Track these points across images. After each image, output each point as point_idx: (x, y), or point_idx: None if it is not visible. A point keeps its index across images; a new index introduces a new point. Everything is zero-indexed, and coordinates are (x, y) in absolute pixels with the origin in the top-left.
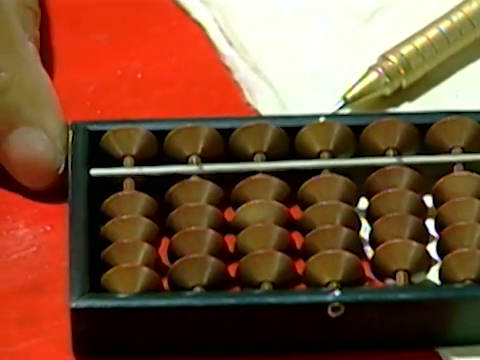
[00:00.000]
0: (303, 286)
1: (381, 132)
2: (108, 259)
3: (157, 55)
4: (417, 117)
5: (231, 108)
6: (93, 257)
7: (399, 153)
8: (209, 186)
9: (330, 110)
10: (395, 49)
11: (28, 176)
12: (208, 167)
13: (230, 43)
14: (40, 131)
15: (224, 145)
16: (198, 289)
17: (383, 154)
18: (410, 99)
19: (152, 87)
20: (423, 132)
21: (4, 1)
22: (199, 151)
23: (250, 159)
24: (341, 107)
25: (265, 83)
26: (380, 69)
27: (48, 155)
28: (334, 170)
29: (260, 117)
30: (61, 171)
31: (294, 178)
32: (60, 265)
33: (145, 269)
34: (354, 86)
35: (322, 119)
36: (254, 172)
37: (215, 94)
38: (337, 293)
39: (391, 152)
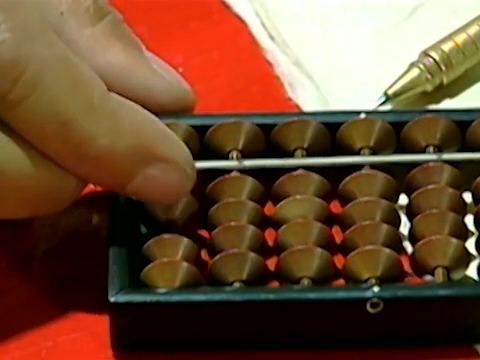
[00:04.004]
0: (342, 281)
1: (422, 129)
2: (148, 254)
3: (199, 49)
4: (458, 114)
5: (272, 103)
6: (133, 252)
7: (439, 150)
8: (249, 181)
9: (371, 106)
10: (436, 45)
11: (158, 202)
12: (249, 162)
13: (272, 38)
14: (171, 163)
15: (265, 141)
16: (238, 284)
17: (423, 151)
18: (451, 96)
19: (194, 81)
20: (464, 129)
21: (70, 55)
22: (240, 146)
23: (291, 155)
24: (382, 103)
25: (306, 78)
26: (421, 65)
27: (180, 183)
28: (374, 166)
29: (301, 113)
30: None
31: (334, 174)
32: (101, 259)
33: (185, 264)
34: (395, 82)
35: (363, 115)
36: (295, 168)
37: (256, 88)
38: (376, 289)
39: (431, 149)
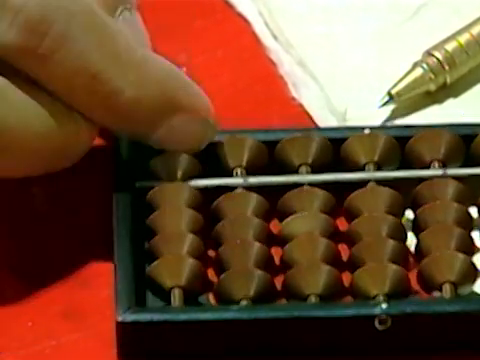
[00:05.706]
0: (350, 298)
1: (426, 144)
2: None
3: (202, 49)
4: (462, 128)
5: (276, 102)
6: (139, 270)
7: (444, 165)
8: (255, 198)
9: (375, 105)
10: (439, 45)
11: (181, 151)
12: (253, 179)
13: (275, 37)
14: (194, 113)
15: (269, 157)
16: (245, 302)
17: (428, 166)
18: (454, 95)
19: (197, 81)
20: (468, 143)
21: (96, 8)
22: (244, 163)
23: (295, 171)
24: (386, 103)
25: (310, 77)
26: (425, 65)
27: (203, 133)
28: (380, 182)
29: (305, 129)
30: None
31: (340, 190)
32: (105, 259)
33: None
34: (399, 82)
35: (367, 131)
36: (299, 184)
37: (260, 88)
38: (384, 306)
39: (436, 164)
